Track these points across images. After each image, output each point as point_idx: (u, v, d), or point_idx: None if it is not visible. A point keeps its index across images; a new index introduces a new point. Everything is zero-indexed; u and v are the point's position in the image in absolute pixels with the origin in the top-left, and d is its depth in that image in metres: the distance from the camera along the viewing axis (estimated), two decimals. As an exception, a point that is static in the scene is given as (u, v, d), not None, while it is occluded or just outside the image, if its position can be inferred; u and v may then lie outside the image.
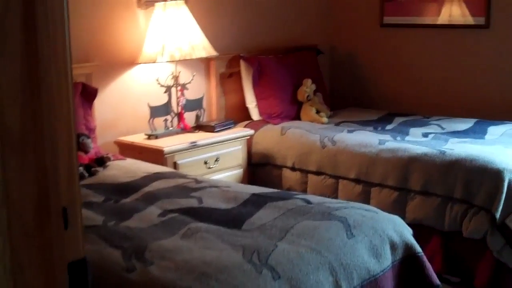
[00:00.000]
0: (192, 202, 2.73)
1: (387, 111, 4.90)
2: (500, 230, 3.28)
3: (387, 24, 5.23)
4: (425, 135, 4.05)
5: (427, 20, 5.01)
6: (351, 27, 5.47)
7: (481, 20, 4.70)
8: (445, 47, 4.96)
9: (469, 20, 4.76)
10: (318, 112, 4.63)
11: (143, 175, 3.18)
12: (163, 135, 3.92)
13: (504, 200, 3.28)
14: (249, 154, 4.26)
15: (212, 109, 4.54)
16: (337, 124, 4.46)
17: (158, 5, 3.94)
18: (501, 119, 4.43)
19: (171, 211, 2.63)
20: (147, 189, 2.94)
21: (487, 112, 4.70)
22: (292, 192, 2.84)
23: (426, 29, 5.04)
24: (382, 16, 5.24)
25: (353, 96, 5.49)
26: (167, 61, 3.87)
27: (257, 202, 2.68)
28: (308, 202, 2.64)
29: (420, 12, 5.03)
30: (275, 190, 2.89)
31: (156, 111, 3.96)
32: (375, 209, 2.63)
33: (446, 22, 4.91)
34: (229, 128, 4.18)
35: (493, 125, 4.22)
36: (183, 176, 3.15)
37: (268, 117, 4.51)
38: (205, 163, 3.88)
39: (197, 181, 3.05)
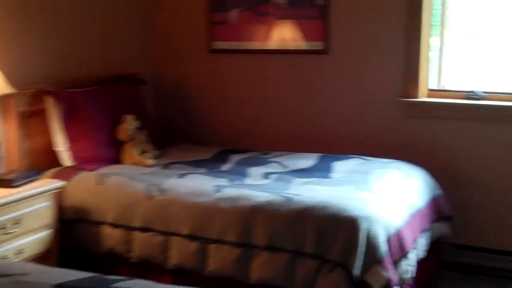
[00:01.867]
0: (-33, 305, 1.98)
1: (222, 147, 4.37)
2: (359, 289, 2.84)
3: (216, 50, 4.71)
4: (266, 176, 3.58)
5: (258, 45, 4.56)
6: (176, 52, 4.89)
7: (319, 45, 4.32)
8: (281, 74, 4.54)
9: (302, 44, 4.37)
10: (144, 152, 3.99)
11: None
12: None
13: (363, 254, 2.85)
14: (61, 208, 3.53)
15: (12, 156, 3.71)
16: (166, 166, 3.85)
17: None
18: (347, 152, 4.06)
19: None
20: None
21: (331, 144, 4.35)
22: (109, 278, 2.16)
23: (259, 55, 4.59)
24: (211, 41, 4.71)
25: (182, 130, 4.90)
26: None
27: (59, 298, 1.99)
28: (130, 294, 2.00)
29: (250, 36, 4.57)
30: (88, 275, 2.20)
31: None
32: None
33: (278, 47, 4.49)
34: (33, 180, 3.41)
35: (337, 160, 3.84)
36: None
37: (82, 162, 3.79)
38: (2, 228, 3.09)
39: (-21, 267, 2.29)
